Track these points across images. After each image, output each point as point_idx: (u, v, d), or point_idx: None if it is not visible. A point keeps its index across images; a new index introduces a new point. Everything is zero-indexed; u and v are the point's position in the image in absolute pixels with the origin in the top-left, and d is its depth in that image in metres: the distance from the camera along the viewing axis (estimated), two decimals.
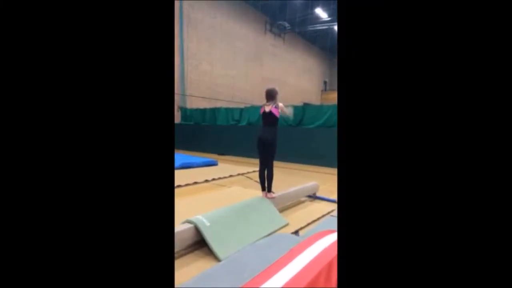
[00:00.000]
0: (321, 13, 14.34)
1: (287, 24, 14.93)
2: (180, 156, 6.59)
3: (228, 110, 9.05)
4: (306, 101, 16.63)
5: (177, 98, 10.50)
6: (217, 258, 2.00)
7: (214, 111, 9.35)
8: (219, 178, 4.95)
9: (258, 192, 3.26)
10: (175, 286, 1.51)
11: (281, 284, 1.40)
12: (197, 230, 2.15)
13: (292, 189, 3.46)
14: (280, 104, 3.01)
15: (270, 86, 3.11)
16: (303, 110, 7.40)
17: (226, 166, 6.23)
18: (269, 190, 3.07)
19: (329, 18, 14.53)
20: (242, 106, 9.54)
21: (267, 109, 3.00)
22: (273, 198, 3.02)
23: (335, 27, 14.39)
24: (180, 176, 4.78)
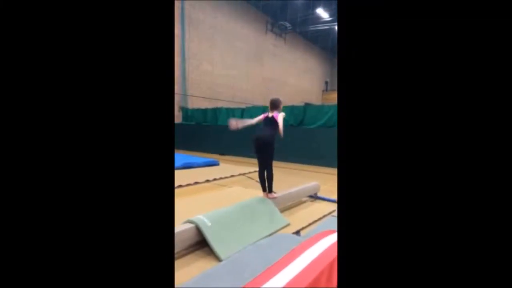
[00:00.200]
0: (322, 13, 14.34)
1: (288, 24, 14.93)
2: (181, 156, 6.60)
3: (229, 110, 9.05)
4: (307, 101, 16.62)
5: (178, 98, 10.51)
6: (218, 258, 2.01)
7: (215, 111, 9.35)
8: (220, 178, 4.96)
9: (259, 192, 3.26)
10: (176, 286, 1.51)
11: (283, 284, 1.40)
12: (198, 230, 2.15)
13: (293, 189, 3.45)
14: (282, 114, 3.07)
15: (274, 96, 3.19)
16: (304, 110, 7.40)
17: (227, 166, 6.23)
18: (270, 191, 3.07)
19: (330, 18, 14.53)
20: (243, 106, 9.54)
21: (270, 114, 3.08)
22: (274, 198, 3.02)
23: (336, 27, 14.37)
24: (182, 176, 4.79)
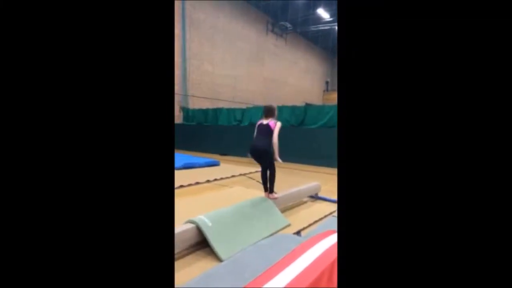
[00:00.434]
0: (323, 13, 14.33)
1: (289, 25, 14.92)
2: (182, 157, 6.60)
3: (230, 111, 9.05)
4: (308, 101, 16.62)
5: (179, 98, 10.52)
6: (219, 258, 2.01)
7: (216, 111, 9.36)
8: (221, 179, 4.96)
9: (260, 192, 3.26)
10: (177, 286, 1.51)
11: (284, 284, 1.40)
12: (199, 230, 2.15)
13: (294, 189, 3.45)
14: (279, 123, 2.97)
15: (268, 103, 3.08)
16: (305, 110, 7.40)
17: (228, 167, 6.23)
18: (271, 191, 3.07)
19: (331, 19, 14.52)
20: (244, 106, 9.54)
21: (264, 122, 3.00)
22: (275, 198, 3.02)
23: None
24: (182, 176, 4.79)
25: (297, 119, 7.36)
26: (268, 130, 2.96)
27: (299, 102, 13.98)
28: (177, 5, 10.37)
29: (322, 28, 15.29)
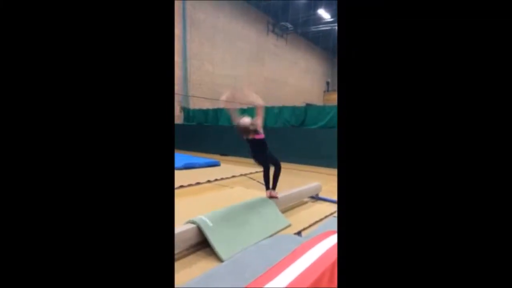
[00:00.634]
0: (324, 13, 14.33)
1: (289, 25, 14.92)
2: (182, 157, 6.60)
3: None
4: (308, 101, 16.61)
5: (179, 98, 10.53)
6: (219, 259, 2.01)
7: (217, 111, 9.36)
8: (222, 179, 4.96)
9: (260, 192, 3.26)
10: (178, 286, 1.51)
11: (285, 284, 1.40)
12: (200, 231, 2.15)
13: (295, 190, 3.45)
14: (259, 122, 2.82)
15: (243, 122, 2.85)
16: (305, 111, 7.40)
17: (229, 167, 6.23)
18: (274, 187, 3.06)
19: (331, 19, 14.51)
20: (244, 106, 9.53)
21: (250, 136, 2.87)
22: (275, 197, 3.01)
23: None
24: (183, 177, 4.79)
25: (298, 120, 7.36)
26: (260, 142, 2.93)
27: (299, 102, 13.97)
28: (178, 6, 10.37)
29: (323, 28, 15.28)
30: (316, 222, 2.87)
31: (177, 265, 1.94)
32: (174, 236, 1.87)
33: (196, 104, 11.07)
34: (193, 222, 2.20)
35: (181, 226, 2.15)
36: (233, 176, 5.21)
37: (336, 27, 14.51)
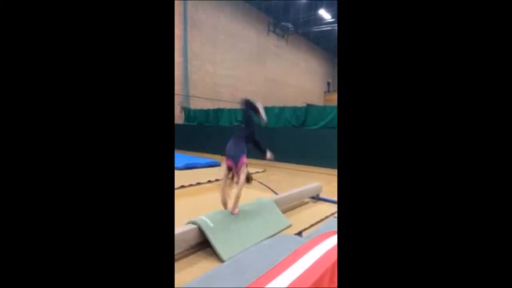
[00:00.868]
0: (325, 14, 14.32)
1: (290, 25, 14.92)
2: (183, 157, 6.61)
3: (231, 111, 9.05)
4: (309, 101, 16.61)
5: (180, 99, 10.54)
6: (220, 259, 2.01)
7: (217, 112, 9.36)
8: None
9: (261, 193, 3.26)
10: (179, 286, 1.51)
11: (286, 284, 1.40)
12: (201, 231, 2.16)
13: (295, 190, 3.45)
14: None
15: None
16: (306, 111, 7.40)
17: None
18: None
19: (332, 19, 14.51)
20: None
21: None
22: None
23: None
24: (184, 177, 4.80)
25: (299, 120, 7.36)
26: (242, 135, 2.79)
27: (300, 102, 13.97)
28: (179, 6, 10.40)
29: (324, 29, 15.28)
30: (317, 222, 2.87)
31: (178, 265, 1.95)
32: (174, 236, 1.87)
33: (197, 104, 11.09)
34: (194, 223, 2.20)
35: (182, 226, 2.15)
36: None
37: (337, 28, 14.47)
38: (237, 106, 10.66)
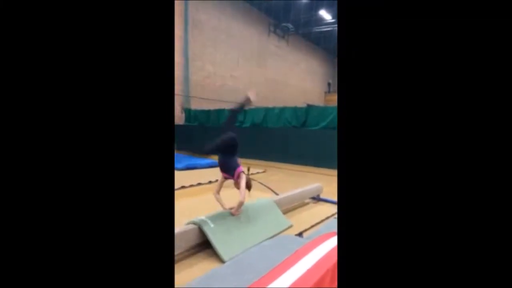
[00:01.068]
0: (325, 14, 14.33)
1: (290, 26, 14.93)
2: (184, 158, 6.61)
3: None
4: (309, 102, 16.61)
5: (181, 99, 10.54)
6: (221, 259, 2.01)
7: (218, 112, 9.37)
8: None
9: (262, 193, 3.26)
10: (180, 286, 1.51)
11: (287, 284, 1.40)
12: (202, 231, 2.16)
13: (296, 190, 3.45)
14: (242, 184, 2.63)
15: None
16: (306, 112, 7.39)
17: None
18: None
19: (333, 20, 14.51)
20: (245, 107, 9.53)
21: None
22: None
23: None
24: (185, 177, 4.80)
25: (299, 120, 7.36)
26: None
27: (300, 103, 13.97)
28: (180, 7, 10.41)
29: (324, 29, 15.28)
30: (318, 223, 2.87)
31: (178, 265, 1.95)
32: (174, 236, 1.87)
33: (198, 105, 11.09)
34: (194, 223, 2.20)
35: (182, 226, 2.15)
36: None
37: None
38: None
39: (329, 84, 21.38)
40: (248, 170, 2.69)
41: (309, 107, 8.40)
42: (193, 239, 2.13)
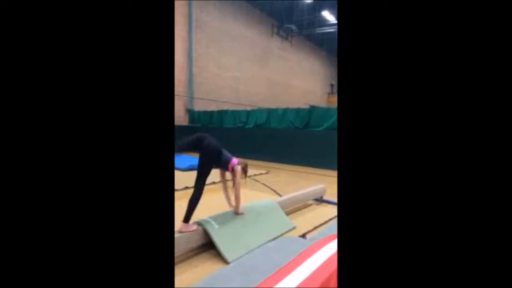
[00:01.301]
0: (328, 16, 14.32)
1: (294, 27, 14.94)
2: (187, 158, 6.63)
3: (235, 112, 9.07)
4: (312, 103, 16.59)
5: (185, 101, 10.57)
6: (225, 261, 2.01)
7: (221, 113, 9.38)
8: (227, 180, 4.95)
9: (265, 194, 3.26)
10: (187, 287, 1.52)
11: (295, 285, 1.41)
12: (206, 232, 2.17)
13: (299, 192, 3.45)
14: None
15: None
16: (309, 113, 7.39)
17: None
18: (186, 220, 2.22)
19: (336, 21, 14.49)
20: (248, 108, 9.55)
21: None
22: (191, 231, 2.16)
23: None
24: (188, 178, 4.80)
25: (302, 122, 7.35)
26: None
27: (302, 104, 13.97)
28: (184, 7, 10.45)
29: (327, 30, 15.28)
30: (321, 224, 2.86)
31: (182, 266, 1.95)
32: (174, 236, 1.88)
33: (201, 106, 11.12)
34: (199, 224, 2.21)
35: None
36: None
37: None
38: (241, 107, 10.71)
39: (332, 85, 21.35)
40: (246, 166, 2.80)
41: (312, 108, 8.39)
42: (197, 240, 2.13)
